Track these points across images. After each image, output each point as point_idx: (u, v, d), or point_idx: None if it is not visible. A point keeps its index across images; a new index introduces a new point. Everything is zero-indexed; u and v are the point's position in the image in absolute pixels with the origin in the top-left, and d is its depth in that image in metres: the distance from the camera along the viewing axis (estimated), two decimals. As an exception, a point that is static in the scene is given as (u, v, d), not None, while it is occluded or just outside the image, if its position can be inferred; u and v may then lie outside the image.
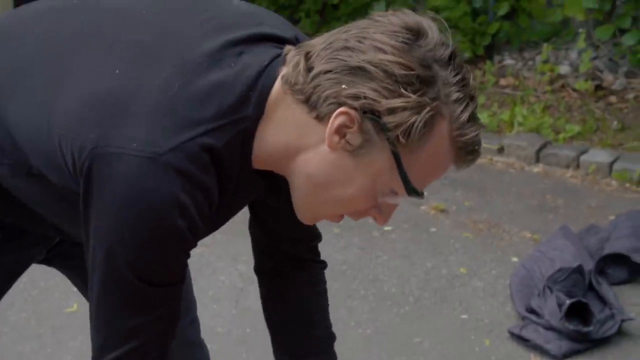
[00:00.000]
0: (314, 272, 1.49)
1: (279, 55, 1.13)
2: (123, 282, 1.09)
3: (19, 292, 2.92)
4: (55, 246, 1.44)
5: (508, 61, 5.14)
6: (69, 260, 1.46)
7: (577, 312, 2.70)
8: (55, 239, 1.42)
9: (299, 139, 1.10)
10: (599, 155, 4.07)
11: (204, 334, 1.67)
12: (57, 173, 1.11)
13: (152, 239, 1.05)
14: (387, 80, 1.03)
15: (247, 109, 1.09)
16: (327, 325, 1.51)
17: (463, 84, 1.07)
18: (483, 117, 4.45)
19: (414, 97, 1.03)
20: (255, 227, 1.44)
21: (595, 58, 4.90)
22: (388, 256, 3.27)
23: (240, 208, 1.24)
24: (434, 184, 1.17)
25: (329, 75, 1.05)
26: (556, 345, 2.63)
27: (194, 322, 1.62)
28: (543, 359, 2.63)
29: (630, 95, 4.66)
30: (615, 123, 4.40)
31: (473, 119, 1.08)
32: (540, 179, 4.00)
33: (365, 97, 1.04)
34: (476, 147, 1.09)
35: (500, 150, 4.24)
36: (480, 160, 4.18)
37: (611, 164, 3.99)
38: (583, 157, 4.06)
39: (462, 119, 1.06)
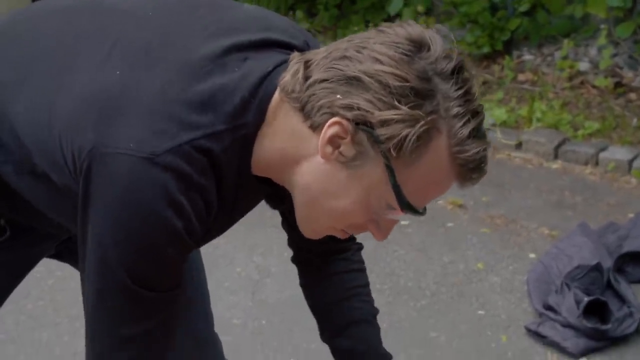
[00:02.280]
0: (349, 255, 1.47)
1: (283, 62, 1.11)
2: (119, 287, 1.07)
3: (36, 281, 2.93)
4: (64, 241, 1.43)
5: (527, 56, 5.11)
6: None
7: (595, 310, 2.68)
8: (63, 235, 1.41)
9: (295, 148, 1.08)
10: (618, 153, 4.04)
11: (219, 326, 1.66)
12: (58, 172, 1.10)
13: (148, 239, 1.04)
14: (381, 91, 1.01)
15: (247, 115, 1.08)
16: (368, 299, 1.49)
17: (466, 98, 1.03)
18: (501, 112, 4.42)
19: (405, 109, 1.00)
20: (285, 225, 1.44)
21: (615, 55, 4.86)
22: (405, 250, 3.26)
23: (244, 214, 1.22)
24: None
25: (324, 85, 1.04)
26: (574, 342, 2.62)
27: (207, 317, 1.60)
28: (560, 356, 2.62)
29: (651, 93, 4.62)
30: (635, 120, 4.36)
31: (476, 135, 1.04)
32: (559, 176, 3.98)
33: (358, 108, 1.01)
34: (481, 165, 1.05)
35: (519, 146, 4.21)
36: (499, 156, 4.18)
37: (631, 162, 3.96)
38: (602, 154, 4.03)
39: (461, 134, 1.03)
